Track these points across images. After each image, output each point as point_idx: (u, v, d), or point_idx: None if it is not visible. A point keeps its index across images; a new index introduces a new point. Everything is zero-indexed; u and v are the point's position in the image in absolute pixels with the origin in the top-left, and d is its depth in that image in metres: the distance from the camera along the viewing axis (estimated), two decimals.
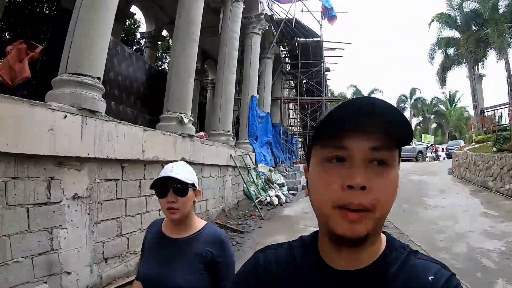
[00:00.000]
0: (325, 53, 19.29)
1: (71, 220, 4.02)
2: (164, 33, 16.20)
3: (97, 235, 4.49)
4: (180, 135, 6.54)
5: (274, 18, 15.56)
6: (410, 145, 26.43)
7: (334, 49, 19.16)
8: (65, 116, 3.76)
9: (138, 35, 18.03)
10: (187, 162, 6.37)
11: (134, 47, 17.68)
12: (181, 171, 1.64)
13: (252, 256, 0.92)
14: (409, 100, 46.73)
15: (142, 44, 17.17)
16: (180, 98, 6.95)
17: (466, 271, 5.09)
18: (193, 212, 1.73)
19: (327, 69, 20.76)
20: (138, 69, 7.62)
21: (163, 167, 4.97)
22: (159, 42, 16.84)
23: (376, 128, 0.66)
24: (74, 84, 4.11)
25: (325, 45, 18.70)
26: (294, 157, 20.35)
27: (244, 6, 11.38)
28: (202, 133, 8.83)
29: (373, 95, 40.22)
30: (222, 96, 9.79)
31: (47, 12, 14.06)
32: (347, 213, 0.65)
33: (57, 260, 3.82)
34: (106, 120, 4.39)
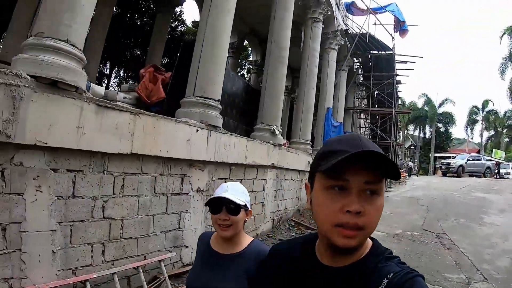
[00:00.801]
0: (397, 65, 19.21)
1: (193, 207, 5.21)
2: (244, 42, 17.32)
3: (209, 220, 5.66)
4: (272, 144, 7.60)
5: (349, 32, 15.97)
6: (479, 160, 25.34)
7: (405, 62, 19.03)
8: (197, 130, 4.97)
9: None
10: (275, 167, 7.52)
11: None
12: (236, 192, 1.70)
13: (271, 247, 1.27)
14: (481, 112, 43.53)
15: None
16: (272, 112, 8.05)
17: (504, 281, 5.56)
18: (243, 230, 1.78)
19: (399, 82, 20.66)
20: (238, 87, 8.86)
21: (257, 170, 6.08)
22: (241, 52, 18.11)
23: (370, 167, 0.83)
24: (202, 105, 5.32)
25: (396, 58, 18.62)
26: None
27: (323, 26, 12.14)
28: (284, 141, 9.81)
29: (444, 106, 38.35)
30: (303, 108, 10.67)
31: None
32: (345, 230, 0.83)
33: (181, 236, 5.03)
34: (223, 133, 5.59)
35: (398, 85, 21.15)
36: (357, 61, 19.19)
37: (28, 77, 2.90)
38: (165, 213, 4.67)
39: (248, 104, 8.97)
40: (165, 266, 4.38)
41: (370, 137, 21.68)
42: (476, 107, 43.59)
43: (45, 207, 3.17)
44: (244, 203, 1.69)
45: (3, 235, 2.90)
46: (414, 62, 18.83)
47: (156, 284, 4.17)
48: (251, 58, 18.79)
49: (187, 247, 5.12)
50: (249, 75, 17.15)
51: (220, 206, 1.65)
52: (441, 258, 6.67)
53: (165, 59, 17.57)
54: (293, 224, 9.04)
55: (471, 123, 43.72)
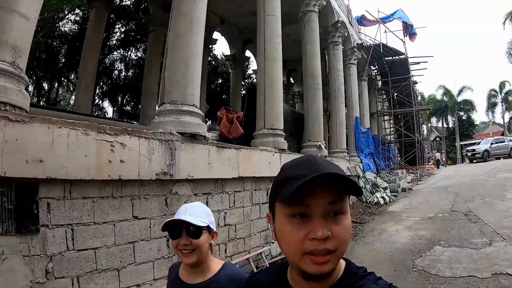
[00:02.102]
0: (411, 67, 20.26)
1: None
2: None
3: None
4: (321, 156, 8.94)
5: (364, 45, 17.39)
6: (503, 142, 25.61)
7: (418, 63, 20.20)
8: (273, 154, 6.44)
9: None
10: None
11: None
12: (196, 213, 1.55)
13: (247, 279, 1.21)
14: (499, 94, 41.99)
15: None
16: (315, 131, 9.53)
17: None
18: (210, 254, 1.61)
19: (415, 82, 21.59)
20: (288, 114, 10.24)
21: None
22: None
23: (330, 188, 0.77)
24: (272, 135, 6.85)
25: (410, 60, 19.72)
26: (392, 163, 21.31)
27: (344, 48, 13.51)
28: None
29: (463, 94, 37.95)
30: (337, 123, 12.03)
31: None
32: (315, 258, 0.76)
33: (269, 235, 6.42)
34: (289, 154, 7.08)
35: (415, 84, 22.05)
36: (374, 68, 20.39)
37: (178, 134, 4.38)
38: (259, 218, 6.11)
39: (295, 126, 10.35)
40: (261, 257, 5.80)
41: (396, 137, 22.95)
42: (494, 90, 42.54)
43: None
44: (206, 224, 1.54)
45: (166, 244, 4.30)
46: (426, 62, 19.98)
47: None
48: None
49: (273, 243, 6.50)
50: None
51: (180, 230, 1.49)
52: (467, 229, 7.65)
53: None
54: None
55: (491, 106, 42.77)
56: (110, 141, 3.48)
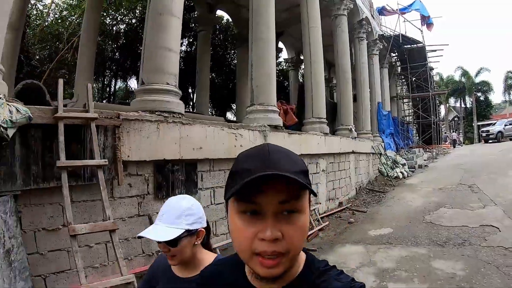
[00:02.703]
0: (428, 54, 21.85)
1: (321, 181, 8.86)
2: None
3: (327, 187, 9.29)
4: (351, 138, 11.19)
5: (385, 35, 19.14)
6: None
7: (435, 50, 21.89)
8: (320, 137, 8.66)
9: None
10: (354, 152, 11.09)
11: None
12: (170, 219, 1.44)
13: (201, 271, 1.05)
14: None
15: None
16: (347, 116, 11.66)
17: (507, 205, 8.19)
18: (200, 249, 1.56)
19: (431, 68, 23.26)
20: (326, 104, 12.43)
21: (345, 155, 9.87)
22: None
23: (281, 185, 0.69)
24: (319, 122, 9.05)
25: (427, 48, 21.34)
26: (410, 142, 23.06)
27: (367, 41, 15.44)
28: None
29: (480, 75, 38.91)
30: (363, 108, 14.10)
31: None
32: (264, 261, 0.71)
33: (317, 196, 8.67)
34: (331, 136, 9.26)
35: (431, 70, 23.72)
36: (394, 55, 22.05)
37: (267, 126, 6.63)
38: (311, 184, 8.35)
39: (330, 113, 12.37)
40: (314, 213, 8.06)
41: (414, 118, 24.75)
42: (510, 72, 43.19)
43: None
44: (183, 230, 1.42)
45: None
46: (442, 49, 21.57)
47: (314, 221, 7.84)
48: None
49: (320, 203, 8.73)
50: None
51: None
52: (469, 198, 9.55)
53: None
54: (368, 190, 12.44)
55: (508, 88, 43.38)
56: (234, 133, 5.75)
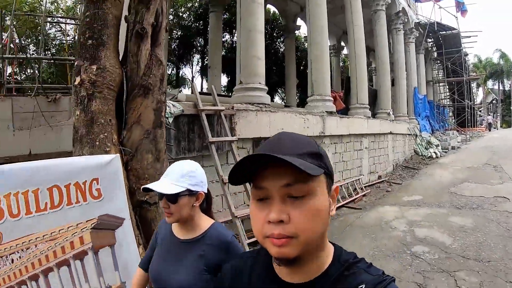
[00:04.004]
0: (462, 40, 22.72)
1: (364, 156, 10.64)
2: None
3: (369, 162, 11.06)
4: (389, 120, 12.84)
5: (420, 23, 20.16)
6: None
7: (469, 36, 22.82)
8: (363, 120, 10.42)
9: None
10: (391, 133, 12.84)
11: None
12: (173, 177, 1.55)
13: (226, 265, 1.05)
14: None
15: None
16: (385, 101, 13.31)
17: None
18: (199, 213, 1.66)
19: (466, 54, 24.04)
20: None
21: (384, 136, 11.69)
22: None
23: (284, 169, 0.70)
24: (363, 108, 10.80)
25: (462, 34, 22.28)
26: (446, 125, 23.98)
27: (403, 31, 16.77)
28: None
29: None
30: (400, 94, 15.59)
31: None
32: (273, 240, 0.72)
33: (361, 170, 10.47)
34: (372, 119, 11.03)
35: (466, 56, 24.41)
36: (430, 40, 22.89)
37: (325, 112, 8.48)
38: (356, 158, 10.16)
39: (371, 98, 13.90)
40: (358, 182, 9.90)
41: (450, 102, 25.61)
42: None
43: (330, 160, 8.76)
44: (184, 188, 1.53)
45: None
46: (476, 36, 22.41)
47: (359, 188, 9.69)
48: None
49: (363, 175, 10.52)
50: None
51: (160, 194, 1.53)
52: (491, 175, 10.95)
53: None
54: (404, 167, 14.06)
55: None
56: (303, 118, 7.65)
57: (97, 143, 3.03)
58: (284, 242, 0.71)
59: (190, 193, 1.56)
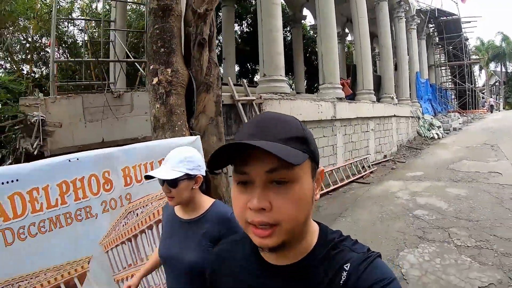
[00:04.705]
0: (463, 25, 23.51)
1: (370, 137, 11.65)
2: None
3: (375, 143, 12.08)
4: (393, 104, 13.84)
5: (422, 10, 20.81)
6: None
7: (469, 22, 23.65)
8: (369, 104, 11.43)
9: None
10: (395, 116, 13.93)
11: None
12: (172, 163, 1.62)
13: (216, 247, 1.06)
14: None
15: None
16: (389, 87, 14.30)
17: None
18: (199, 194, 1.73)
19: (466, 38, 24.82)
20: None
21: (389, 119, 12.96)
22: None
23: (266, 154, 0.66)
24: (368, 93, 11.83)
25: (462, 19, 23.05)
26: (448, 107, 24.54)
27: (405, 18, 17.58)
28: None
29: None
30: (402, 77, 16.45)
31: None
32: (256, 230, 0.70)
33: (368, 149, 11.49)
34: (377, 103, 12.04)
35: (466, 40, 25.18)
36: (431, 26, 23.60)
37: (335, 98, 9.48)
38: (363, 139, 11.17)
39: (376, 84, 14.77)
40: (366, 160, 10.94)
41: (451, 84, 26.32)
42: None
43: (341, 141, 9.78)
44: (183, 173, 1.60)
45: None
46: (476, 21, 23.18)
47: (367, 166, 10.74)
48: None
49: (370, 154, 11.52)
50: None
51: (161, 180, 1.60)
52: (488, 154, 11.82)
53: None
54: (407, 147, 15.03)
55: None
56: (317, 104, 8.65)
57: (176, 128, 4.07)
58: (267, 234, 0.69)
59: (188, 177, 1.64)
